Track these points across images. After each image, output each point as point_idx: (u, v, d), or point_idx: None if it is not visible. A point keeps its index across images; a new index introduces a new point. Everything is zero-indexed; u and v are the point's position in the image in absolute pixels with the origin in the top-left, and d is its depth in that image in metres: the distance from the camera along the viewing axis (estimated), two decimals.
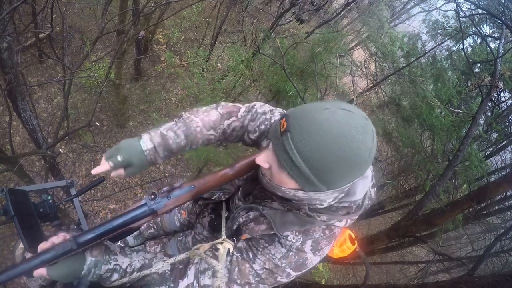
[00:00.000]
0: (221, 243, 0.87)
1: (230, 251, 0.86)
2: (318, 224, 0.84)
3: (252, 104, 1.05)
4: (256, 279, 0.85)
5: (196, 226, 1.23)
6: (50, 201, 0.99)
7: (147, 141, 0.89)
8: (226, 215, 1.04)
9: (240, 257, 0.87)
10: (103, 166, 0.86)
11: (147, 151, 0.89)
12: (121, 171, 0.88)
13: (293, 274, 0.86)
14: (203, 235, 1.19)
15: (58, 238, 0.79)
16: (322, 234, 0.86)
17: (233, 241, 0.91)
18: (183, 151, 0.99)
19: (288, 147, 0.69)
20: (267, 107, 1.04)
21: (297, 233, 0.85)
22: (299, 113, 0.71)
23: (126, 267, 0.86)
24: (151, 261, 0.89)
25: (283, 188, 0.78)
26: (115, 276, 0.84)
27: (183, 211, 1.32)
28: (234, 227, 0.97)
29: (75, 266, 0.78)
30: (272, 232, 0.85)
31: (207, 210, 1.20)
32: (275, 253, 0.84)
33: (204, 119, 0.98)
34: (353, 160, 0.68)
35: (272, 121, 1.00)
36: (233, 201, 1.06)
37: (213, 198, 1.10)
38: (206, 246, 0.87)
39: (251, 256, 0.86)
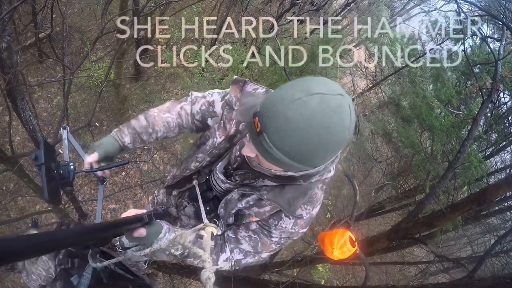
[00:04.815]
0: (204, 228, 0.89)
1: (215, 234, 0.90)
2: (315, 185, 0.91)
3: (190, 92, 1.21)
4: (278, 245, 0.98)
5: (181, 219, 1.23)
6: (72, 167, 1.03)
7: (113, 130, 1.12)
8: (212, 196, 1.07)
9: (257, 237, 0.96)
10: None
11: (113, 132, 1.10)
12: (94, 154, 1.04)
13: (307, 229, 0.98)
14: (191, 225, 1.20)
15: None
16: (322, 192, 0.95)
17: (215, 223, 0.97)
18: (150, 135, 1.13)
19: (268, 146, 0.70)
20: (206, 92, 1.16)
21: (305, 206, 0.92)
22: (270, 110, 0.68)
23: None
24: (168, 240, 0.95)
25: (273, 170, 0.82)
26: (179, 245, 0.89)
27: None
28: (233, 211, 0.99)
29: (159, 227, 0.87)
30: (278, 210, 0.92)
31: (184, 200, 1.20)
32: (286, 226, 0.93)
33: (159, 107, 1.16)
34: (334, 142, 0.69)
35: (210, 100, 1.10)
36: (217, 185, 1.05)
37: (185, 187, 1.16)
38: (189, 233, 0.89)
39: (266, 234, 0.95)
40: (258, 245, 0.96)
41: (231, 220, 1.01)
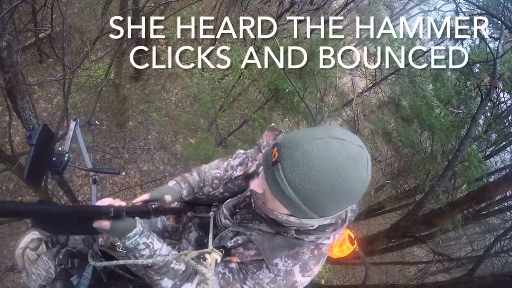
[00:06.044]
0: (209, 253, 0.88)
1: (218, 261, 0.88)
2: (306, 245, 0.86)
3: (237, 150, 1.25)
4: None
5: (181, 242, 1.22)
6: (66, 158, 1.02)
7: (171, 181, 1.13)
8: (215, 232, 1.05)
9: (231, 278, 0.91)
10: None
11: (172, 184, 1.10)
12: (146, 195, 1.05)
13: None
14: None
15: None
16: (311, 255, 0.88)
17: (221, 252, 0.93)
18: (201, 189, 1.15)
19: (279, 178, 0.69)
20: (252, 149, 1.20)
21: (286, 258, 0.87)
22: (291, 143, 0.70)
23: (156, 249, 0.89)
24: (172, 256, 0.93)
25: (276, 212, 0.80)
26: (146, 251, 0.87)
27: (170, 218, 1.31)
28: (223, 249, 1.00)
29: (130, 225, 0.83)
30: (261, 258, 0.87)
31: (193, 225, 1.20)
32: (263, 278, 0.87)
33: (210, 164, 1.21)
34: (346, 191, 0.67)
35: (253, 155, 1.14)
36: (219, 219, 1.06)
37: (201, 214, 1.14)
38: (194, 253, 0.88)
39: (241, 278, 0.90)
40: (227, 287, 0.91)
41: None
